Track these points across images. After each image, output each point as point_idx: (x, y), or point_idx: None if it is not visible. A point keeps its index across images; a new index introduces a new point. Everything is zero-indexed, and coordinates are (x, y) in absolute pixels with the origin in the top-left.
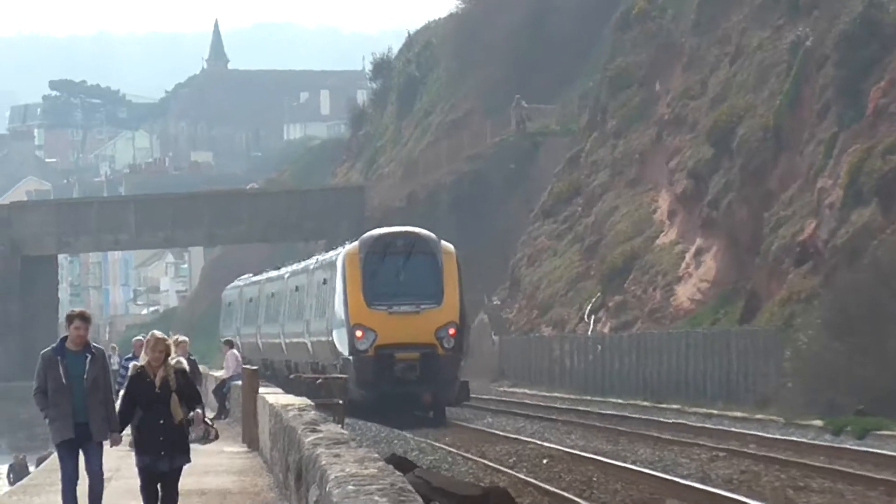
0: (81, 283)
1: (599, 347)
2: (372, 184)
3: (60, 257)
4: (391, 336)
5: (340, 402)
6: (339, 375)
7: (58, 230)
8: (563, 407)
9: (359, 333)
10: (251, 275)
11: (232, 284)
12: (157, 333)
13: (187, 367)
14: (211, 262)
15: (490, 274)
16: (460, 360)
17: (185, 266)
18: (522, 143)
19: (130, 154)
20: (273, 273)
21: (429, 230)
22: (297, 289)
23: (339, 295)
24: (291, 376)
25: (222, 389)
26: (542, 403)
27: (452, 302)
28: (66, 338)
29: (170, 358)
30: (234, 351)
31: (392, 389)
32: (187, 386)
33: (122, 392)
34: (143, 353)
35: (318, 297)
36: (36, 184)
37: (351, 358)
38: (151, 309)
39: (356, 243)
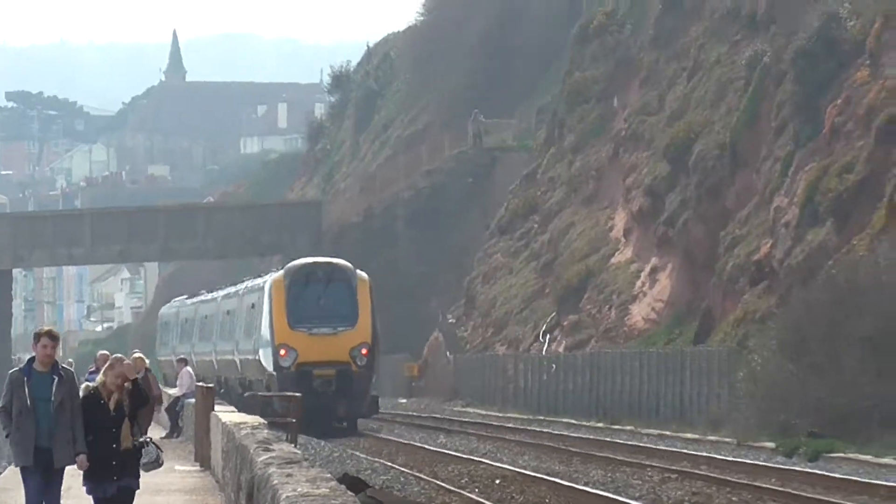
0: (35, 299)
1: (553, 367)
2: (329, 198)
3: (15, 272)
4: (311, 354)
5: (294, 420)
6: (293, 394)
7: (13, 244)
8: (517, 427)
9: (282, 352)
10: (186, 297)
11: (168, 305)
12: (123, 361)
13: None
14: (165, 279)
15: (446, 290)
16: (371, 376)
17: (141, 282)
18: (480, 158)
19: (87, 167)
20: (207, 296)
21: (386, 245)
22: (228, 312)
23: (265, 317)
24: (246, 394)
25: (175, 407)
26: (495, 423)
27: (365, 324)
28: (34, 357)
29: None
30: (189, 368)
31: (311, 402)
32: (140, 398)
33: None
34: (100, 374)
35: (247, 319)
36: None
37: (275, 374)
38: (106, 325)
39: (282, 272)
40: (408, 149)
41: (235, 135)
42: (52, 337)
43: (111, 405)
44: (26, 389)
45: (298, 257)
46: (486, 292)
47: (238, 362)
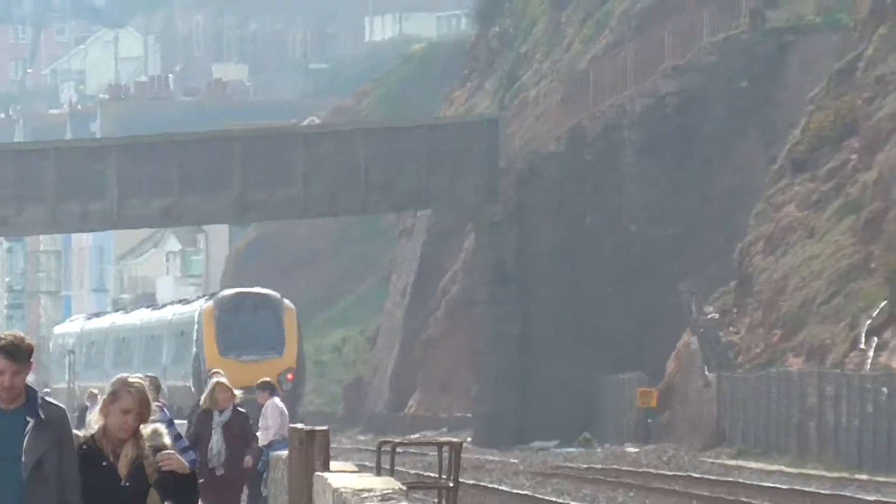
0: (26, 287)
1: (885, 391)
2: (512, 114)
3: None
4: (240, 381)
5: (451, 484)
6: (452, 440)
7: None
8: (824, 491)
9: None
10: (85, 316)
11: (62, 325)
12: (130, 377)
13: (167, 441)
14: (240, 252)
15: (703, 266)
16: (297, 400)
17: (200, 258)
18: (761, 46)
19: (111, 68)
20: (117, 317)
21: (604, 190)
22: (152, 337)
23: (195, 345)
24: (380, 441)
25: (256, 465)
26: (785, 486)
27: (291, 351)
28: None
29: (142, 426)
30: (277, 400)
31: None
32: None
33: None
34: (96, 412)
35: (177, 346)
36: None
37: None
38: None
39: (211, 302)
40: (640, 32)
41: (356, 13)
42: (12, 355)
43: (122, 469)
44: None
45: (460, 210)
46: (770, 268)
47: (166, 390)
